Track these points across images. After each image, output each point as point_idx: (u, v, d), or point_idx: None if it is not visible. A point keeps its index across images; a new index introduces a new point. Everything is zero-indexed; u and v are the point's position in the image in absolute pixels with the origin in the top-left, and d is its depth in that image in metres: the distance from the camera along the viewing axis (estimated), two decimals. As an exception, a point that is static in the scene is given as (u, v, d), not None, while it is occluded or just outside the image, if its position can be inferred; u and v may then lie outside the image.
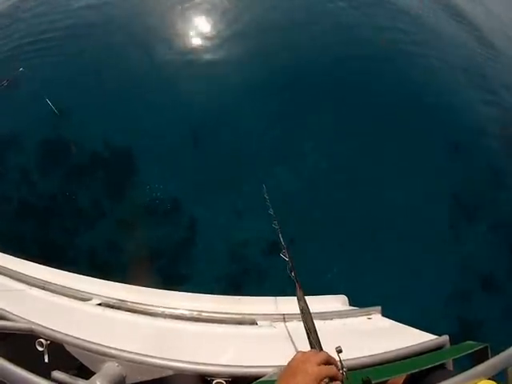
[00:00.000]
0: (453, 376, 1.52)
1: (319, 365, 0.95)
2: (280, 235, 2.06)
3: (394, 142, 6.56)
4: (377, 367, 1.65)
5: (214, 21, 8.46)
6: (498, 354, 1.63)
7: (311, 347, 1.24)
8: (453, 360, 1.75)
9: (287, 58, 7.49)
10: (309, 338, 1.32)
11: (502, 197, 6.32)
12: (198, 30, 8.34)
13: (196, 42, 8.09)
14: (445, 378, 1.50)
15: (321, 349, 1.19)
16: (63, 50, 7.95)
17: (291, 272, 1.79)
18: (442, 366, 1.72)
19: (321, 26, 8.24)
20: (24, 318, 1.65)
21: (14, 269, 2.27)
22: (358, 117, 6.82)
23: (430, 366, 1.65)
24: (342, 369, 1.00)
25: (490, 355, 1.71)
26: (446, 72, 8.10)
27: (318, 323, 2.16)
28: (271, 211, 2.30)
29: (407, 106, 7.09)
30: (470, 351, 1.74)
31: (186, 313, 2.08)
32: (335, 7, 8.93)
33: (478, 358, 1.70)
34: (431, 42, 8.96)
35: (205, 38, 8.12)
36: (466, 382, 1.45)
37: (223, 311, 2.14)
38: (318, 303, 2.39)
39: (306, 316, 1.49)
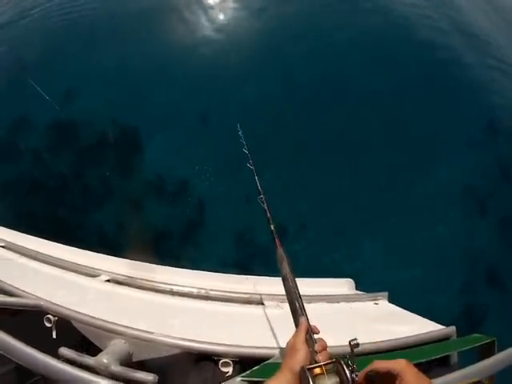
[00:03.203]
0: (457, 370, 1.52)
1: (306, 340, 1.06)
2: (256, 177, 1.78)
3: (405, 130, 6.32)
4: (381, 355, 1.65)
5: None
6: (503, 348, 1.63)
7: (294, 318, 1.20)
8: (458, 352, 1.75)
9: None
10: (291, 307, 1.23)
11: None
12: (213, 7, 7.97)
13: (209, 19, 7.74)
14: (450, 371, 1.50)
15: (307, 321, 1.15)
16: (72, 27, 7.74)
17: (269, 223, 1.51)
18: (447, 359, 1.72)
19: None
20: (32, 294, 1.67)
21: (22, 245, 2.30)
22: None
23: (434, 358, 1.65)
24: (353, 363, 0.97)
25: (496, 349, 1.70)
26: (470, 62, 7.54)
27: (324, 306, 2.19)
28: (246, 149, 2.03)
29: (422, 89, 6.77)
30: (476, 344, 1.72)
31: (194, 291, 2.10)
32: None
33: (485, 352, 1.69)
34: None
35: (219, 15, 7.80)
36: (468, 380, 1.45)
37: (231, 290, 2.15)
38: (324, 286, 2.40)
39: (289, 284, 1.28)
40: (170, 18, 7.77)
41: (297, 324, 1.16)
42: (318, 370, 0.95)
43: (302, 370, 0.96)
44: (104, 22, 7.76)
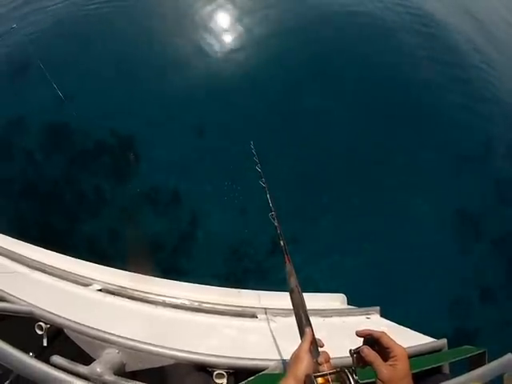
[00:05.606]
0: (448, 379, 1.54)
1: (310, 350, 1.08)
2: (268, 195, 1.85)
3: (396, 153, 6.48)
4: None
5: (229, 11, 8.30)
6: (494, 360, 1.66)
7: (299, 329, 1.22)
8: (449, 364, 1.77)
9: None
10: (297, 318, 1.25)
11: (503, 210, 6.31)
12: (214, 22, 8.19)
13: (210, 32, 7.92)
14: (441, 381, 1.52)
15: (312, 332, 1.17)
16: (72, 32, 7.77)
17: (279, 239, 1.57)
18: (439, 369, 1.74)
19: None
20: (24, 301, 1.63)
21: (15, 251, 2.24)
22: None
23: (426, 368, 1.67)
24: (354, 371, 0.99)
25: (487, 360, 1.74)
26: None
27: (317, 320, 2.20)
28: (258, 167, 2.12)
29: (410, 113, 7.01)
30: (467, 355, 1.75)
31: (187, 303, 2.08)
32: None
33: (475, 362, 1.72)
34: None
35: (221, 29, 7.94)
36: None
37: (223, 303, 2.14)
38: (316, 301, 2.41)
39: (297, 296, 1.34)
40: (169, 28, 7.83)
41: (302, 335, 1.19)
42: (322, 380, 0.97)
43: (308, 377, 0.97)
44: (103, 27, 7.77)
